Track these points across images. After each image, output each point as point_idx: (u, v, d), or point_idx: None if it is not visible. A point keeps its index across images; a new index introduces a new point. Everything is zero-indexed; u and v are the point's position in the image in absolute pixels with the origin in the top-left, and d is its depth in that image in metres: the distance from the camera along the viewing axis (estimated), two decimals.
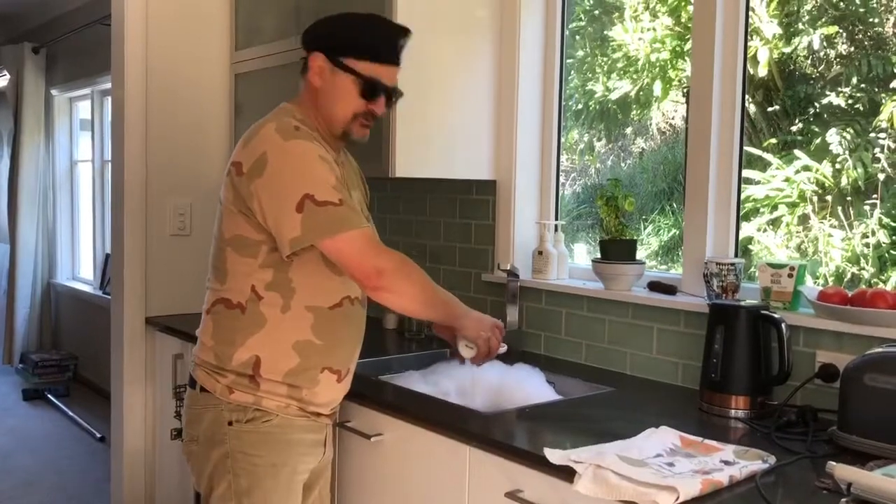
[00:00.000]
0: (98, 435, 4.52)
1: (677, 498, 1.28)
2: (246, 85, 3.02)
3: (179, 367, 2.68)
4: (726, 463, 1.44)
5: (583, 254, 2.88)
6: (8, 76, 6.02)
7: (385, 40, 1.75)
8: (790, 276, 1.92)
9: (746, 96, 2.17)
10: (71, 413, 4.99)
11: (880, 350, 1.58)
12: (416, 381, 2.18)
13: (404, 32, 1.78)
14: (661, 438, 1.58)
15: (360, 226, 1.65)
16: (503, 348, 1.81)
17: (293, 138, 1.65)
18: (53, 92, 5.97)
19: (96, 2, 4.91)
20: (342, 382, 1.82)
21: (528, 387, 2.13)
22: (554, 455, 1.46)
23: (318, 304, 1.73)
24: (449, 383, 2.17)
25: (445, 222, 2.80)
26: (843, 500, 1.23)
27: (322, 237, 1.62)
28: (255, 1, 2.98)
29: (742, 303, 1.88)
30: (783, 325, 1.79)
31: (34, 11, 6.08)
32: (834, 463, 1.28)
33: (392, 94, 1.79)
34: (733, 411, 1.80)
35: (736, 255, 2.12)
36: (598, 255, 2.31)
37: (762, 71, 2.80)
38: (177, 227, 3.01)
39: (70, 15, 5.58)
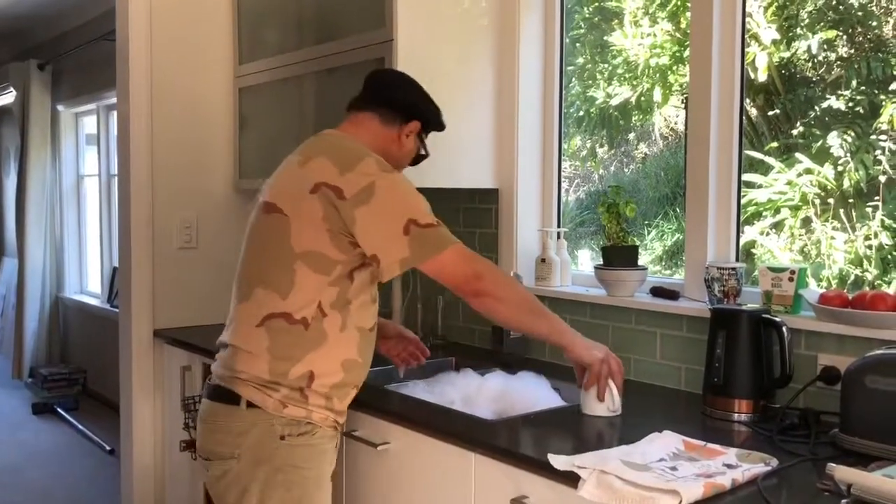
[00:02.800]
0: (108, 448, 4.55)
1: (680, 502, 1.29)
2: (250, 98, 3.05)
3: (188, 378, 2.71)
4: (729, 466, 1.45)
5: (587, 260, 2.89)
6: (14, 93, 6.07)
7: (443, 126, 2.05)
8: (791, 279, 1.93)
9: (747, 100, 2.19)
10: (80, 426, 5.02)
11: (881, 352, 1.59)
12: (421, 391, 2.19)
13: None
14: (664, 443, 1.59)
15: (456, 242, 1.79)
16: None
17: (391, 172, 1.79)
18: (59, 107, 6.02)
19: (101, 18, 4.96)
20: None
21: (533, 393, 2.14)
22: (558, 461, 1.48)
23: (363, 325, 1.83)
24: (454, 392, 2.19)
25: (451, 231, 2.81)
26: (844, 501, 1.24)
27: (428, 256, 1.74)
28: (258, 15, 3.02)
29: (743, 307, 1.90)
30: (784, 329, 1.80)
31: (40, 28, 6.14)
32: (834, 465, 1.30)
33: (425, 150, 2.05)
34: (736, 415, 1.81)
35: (737, 260, 2.14)
36: (601, 262, 2.33)
37: (762, 76, 2.82)
38: (183, 240, 3.03)
39: (75, 31, 5.64)
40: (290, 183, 1.81)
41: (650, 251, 3.19)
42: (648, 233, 3.27)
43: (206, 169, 3.09)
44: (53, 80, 6.01)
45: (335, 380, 1.78)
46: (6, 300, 6.65)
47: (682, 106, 3.27)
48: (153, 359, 2.96)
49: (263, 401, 1.74)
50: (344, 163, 1.76)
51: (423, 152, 2.02)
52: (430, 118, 2.00)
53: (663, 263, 3.24)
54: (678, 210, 3.28)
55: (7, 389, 5.92)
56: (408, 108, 1.95)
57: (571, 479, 1.44)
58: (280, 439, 1.74)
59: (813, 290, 1.98)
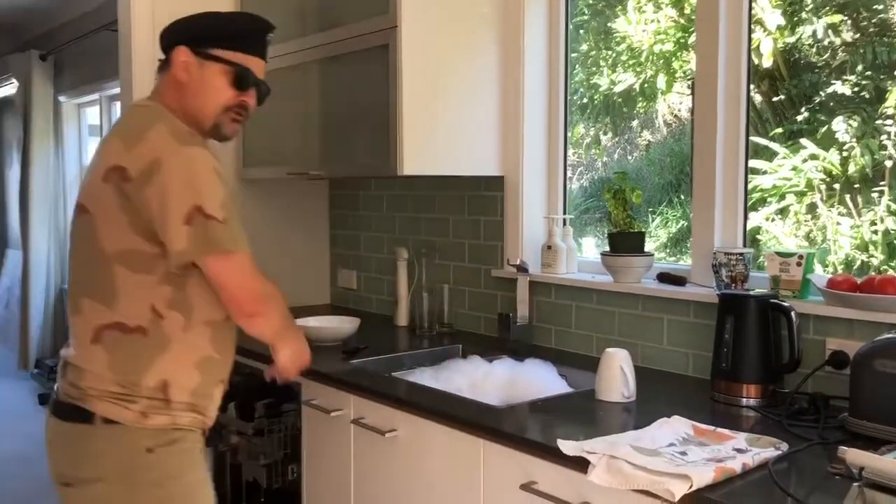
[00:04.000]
0: None
1: (691, 486, 1.29)
2: None
3: None
4: (739, 451, 1.45)
5: (591, 247, 2.89)
6: (16, 84, 6.06)
7: (253, 32, 1.74)
8: (799, 264, 1.93)
9: (751, 87, 2.18)
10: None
11: (890, 336, 1.59)
12: (428, 378, 2.20)
13: (270, 27, 1.77)
14: (673, 428, 1.59)
15: (245, 248, 1.60)
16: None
17: (189, 144, 1.58)
18: (61, 98, 6.01)
19: (102, 8, 4.94)
20: (224, 390, 1.77)
21: (541, 380, 2.15)
22: (567, 446, 1.48)
23: (214, 317, 1.65)
24: (461, 379, 2.19)
25: (454, 219, 2.81)
26: (856, 484, 1.24)
27: (207, 254, 1.55)
28: (261, 3, 3.00)
29: (751, 292, 1.90)
30: (793, 314, 1.80)
31: (40, 19, 6.12)
32: (846, 448, 1.30)
33: (262, 88, 1.75)
34: (744, 400, 1.81)
35: (744, 245, 2.13)
36: (607, 249, 2.33)
37: (767, 61, 2.80)
38: None
39: (76, 22, 5.61)
40: (91, 175, 1.62)
41: (654, 238, 3.19)
42: (653, 220, 3.27)
43: None
44: (55, 71, 5.99)
45: (192, 384, 1.63)
46: (10, 292, 6.65)
47: (687, 93, 3.26)
48: None
49: (121, 414, 1.57)
50: (130, 136, 1.57)
51: (230, 67, 1.67)
52: (197, 31, 1.69)
53: (668, 250, 3.24)
54: (682, 197, 3.27)
55: (13, 381, 5.93)
56: (169, 40, 1.70)
57: (581, 464, 1.45)
58: (147, 452, 1.58)
59: (821, 274, 1.98)
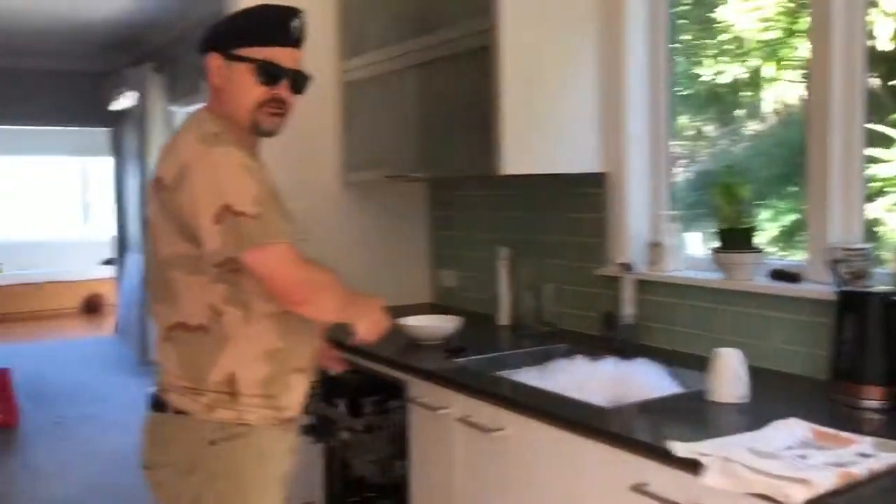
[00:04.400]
0: None
1: (811, 491, 1.25)
2: (354, 93, 3.11)
3: None
4: (863, 455, 1.39)
5: (697, 243, 2.81)
6: (134, 96, 6.41)
7: (274, 22, 1.71)
8: None
9: (868, 71, 2.07)
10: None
11: None
12: (533, 377, 2.20)
13: (294, 12, 1.73)
14: (791, 430, 1.54)
15: (282, 239, 1.61)
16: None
17: (215, 145, 1.61)
18: (174, 109, 6.31)
19: (211, 20, 5.15)
20: (308, 378, 1.80)
21: (649, 380, 2.11)
22: (679, 448, 1.45)
23: (275, 309, 1.67)
24: (566, 378, 2.18)
25: (556, 217, 2.80)
26: None
27: (242, 249, 1.57)
28: (360, 10, 3.07)
29: (873, 289, 1.81)
30: None
31: (155, 33, 6.45)
32: None
33: (296, 78, 1.75)
34: (866, 402, 1.73)
35: (862, 238, 2.03)
36: (716, 244, 2.26)
37: (885, 44, 2.66)
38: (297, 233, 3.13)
39: (188, 35, 5.89)
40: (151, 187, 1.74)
41: (764, 232, 3.08)
42: (762, 213, 3.15)
43: (313, 164, 3.17)
44: (168, 83, 6.30)
45: (261, 375, 1.67)
46: (132, 294, 7.03)
47: (796, 80, 3.13)
48: None
49: (190, 406, 1.66)
50: (167, 147, 1.68)
51: (255, 65, 1.68)
52: (223, 33, 1.72)
53: (778, 245, 3.12)
54: (793, 189, 3.14)
55: (133, 376, 6.26)
56: (201, 50, 1.74)
57: (693, 466, 1.42)
58: (210, 444, 1.64)
59: None
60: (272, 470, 1.72)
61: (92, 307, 9.80)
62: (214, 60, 1.71)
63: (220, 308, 1.64)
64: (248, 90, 1.69)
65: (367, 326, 1.80)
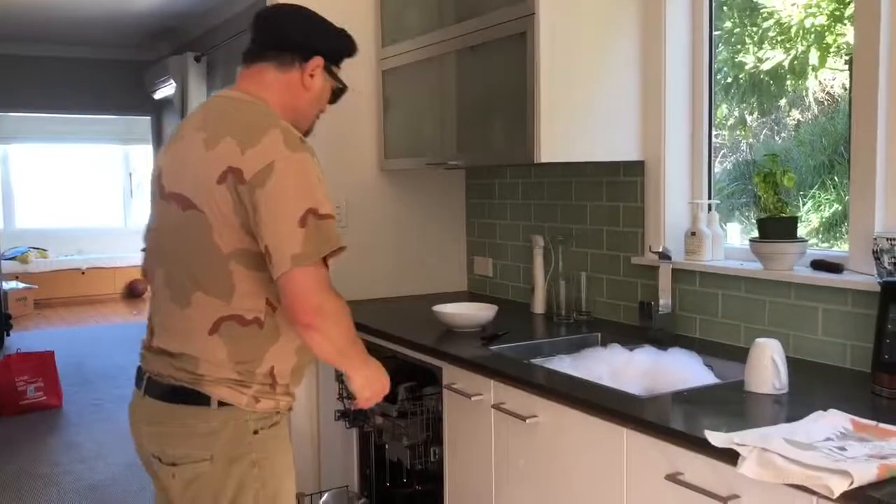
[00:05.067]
0: None
1: (851, 482, 1.23)
2: (393, 81, 3.12)
3: None
4: None
5: (736, 233, 2.78)
6: (174, 85, 6.50)
7: (353, 51, 1.87)
8: None
9: None
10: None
11: None
12: (567, 365, 2.19)
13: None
14: (830, 422, 1.52)
15: (340, 244, 1.62)
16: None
17: (300, 151, 1.62)
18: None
19: (250, 9, 5.20)
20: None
21: (685, 370, 2.09)
22: (716, 438, 1.44)
23: None
24: (601, 367, 2.17)
25: (592, 206, 2.78)
26: None
27: (322, 254, 1.58)
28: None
29: None
30: None
31: (194, 23, 6.53)
32: None
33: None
34: None
35: None
36: (755, 235, 2.23)
37: None
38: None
39: (227, 24, 5.95)
40: (200, 171, 1.63)
41: (806, 223, 3.02)
42: (804, 203, 3.10)
43: (353, 150, 3.19)
44: (208, 71, 6.38)
45: (291, 366, 1.72)
46: None
47: (841, 68, 3.06)
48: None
49: (237, 398, 1.65)
50: (247, 138, 1.60)
51: (339, 86, 1.85)
52: (333, 47, 1.81)
53: (820, 236, 3.06)
54: (836, 179, 3.08)
55: None
56: (304, 44, 1.75)
57: (730, 456, 1.41)
58: (254, 434, 1.66)
59: None
60: (290, 458, 1.78)
61: (133, 292, 10.00)
62: (318, 63, 1.78)
63: (274, 303, 1.66)
64: (322, 102, 1.84)
65: (362, 382, 1.76)
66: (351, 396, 1.83)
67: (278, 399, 1.71)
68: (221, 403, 1.65)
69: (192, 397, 1.65)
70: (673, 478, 1.55)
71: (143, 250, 1.83)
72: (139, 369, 1.79)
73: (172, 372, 1.68)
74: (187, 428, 1.66)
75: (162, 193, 1.72)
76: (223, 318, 1.64)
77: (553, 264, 2.85)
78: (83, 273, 9.96)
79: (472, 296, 3.29)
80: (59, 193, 10.66)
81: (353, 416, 2.72)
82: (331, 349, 1.65)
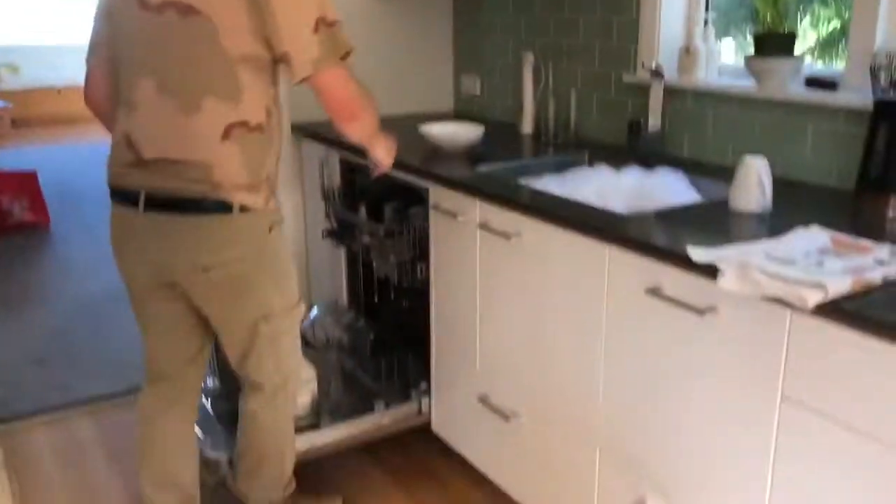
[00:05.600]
0: None
1: (826, 295, 1.26)
2: None
3: (326, 171, 2.81)
4: (880, 262, 1.40)
5: (730, 51, 2.69)
6: None
7: None
8: None
9: None
10: None
11: None
12: (553, 185, 2.19)
13: None
14: (811, 238, 1.54)
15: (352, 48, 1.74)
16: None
17: None
18: None
19: None
20: None
21: (671, 190, 2.10)
22: (698, 253, 1.46)
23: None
24: (587, 187, 2.17)
25: (585, 19, 2.67)
26: None
27: (335, 60, 1.71)
28: None
29: None
30: None
31: None
32: None
33: None
34: (891, 212, 1.71)
35: None
36: (751, 52, 2.16)
37: None
38: None
39: None
40: None
41: (802, 40, 2.93)
42: (801, 19, 2.99)
43: None
44: None
45: (274, 169, 1.84)
46: None
47: None
48: (292, 153, 3.07)
49: (254, 201, 1.76)
50: None
51: None
52: None
53: (815, 54, 2.98)
54: None
55: None
56: None
57: (710, 271, 1.43)
58: (269, 231, 1.82)
59: None
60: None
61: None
62: None
63: (271, 109, 1.77)
64: None
65: (384, 153, 2.05)
66: (371, 167, 2.14)
67: (275, 198, 1.86)
68: (243, 208, 1.75)
69: (214, 206, 1.72)
70: (653, 292, 1.59)
71: (92, 67, 1.90)
72: (120, 188, 1.79)
73: (184, 184, 1.71)
74: (214, 235, 1.75)
75: (144, 5, 1.69)
76: (233, 125, 1.70)
77: (543, 82, 2.78)
78: (59, 92, 9.69)
79: (459, 116, 3.23)
80: (32, 8, 10.15)
81: (340, 235, 2.75)
82: (364, 133, 1.92)
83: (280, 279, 1.88)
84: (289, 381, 2.01)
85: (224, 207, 1.73)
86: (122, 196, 1.79)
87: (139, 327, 1.95)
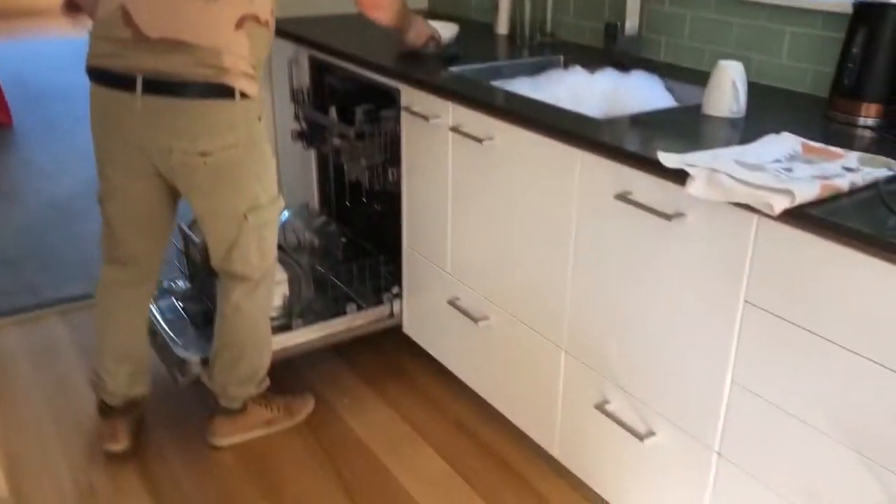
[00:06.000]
0: None
1: (793, 200, 1.27)
2: None
3: (295, 71, 2.74)
4: (848, 169, 1.40)
5: None
6: None
7: None
8: None
9: None
10: None
11: None
12: (527, 88, 2.15)
13: None
14: (781, 144, 1.54)
15: None
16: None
17: None
18: None
19: None
20: None
21: (645, 94, 2.08)
22: (668, 158, 1.46)
23: None
24: (561, 90, 2.14)
25: None
26: None
27: None
28: None
29: (892, 0, 1.70)
30: None
31: None
32: None
33: None
34: (863, 119, 1.71)
35: None
36: None
37: None
38: None
39: None
40: None
41: None
42: None
43: None
44: None
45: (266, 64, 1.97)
46: None
47: None
48: None
49: (252, 89, 1.84)
50: None
51: None
52: None
53: None
54: None
55: None
56: None
57: (680, 176, 1.43)
58: (258, 120, 1.89)
59: None
60: None
61: (73, 5, 9.35)
62: None
63: (273, 10, 1.89)
64: None
65: (415, 33, 2.29)
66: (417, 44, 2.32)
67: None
68: (243, 95, 1.81)
69: (218, 91, 1.78)
70: (622, 197, 1.59)
71: None
72: (109, 71, 1.78)
73: (191, 68, 1.75)
74: (216, 119, 1.80)
75: None
76: (246, 16, 1.79)
77: None
78: None
79: (432, 14, 3.13)
80: None
81: (310, 137, 2.70)
82: (391, 19, 2.20)
83: (264, 170, 1.94)
84: (268, 274, 2.08)
85: (228, 92, 1.79)
86: (111, 78, 1.79)
87: (107, 214, 1.98)
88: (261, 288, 2.06)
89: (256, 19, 1.81)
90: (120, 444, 2.14)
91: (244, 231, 1.94)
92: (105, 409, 2.16)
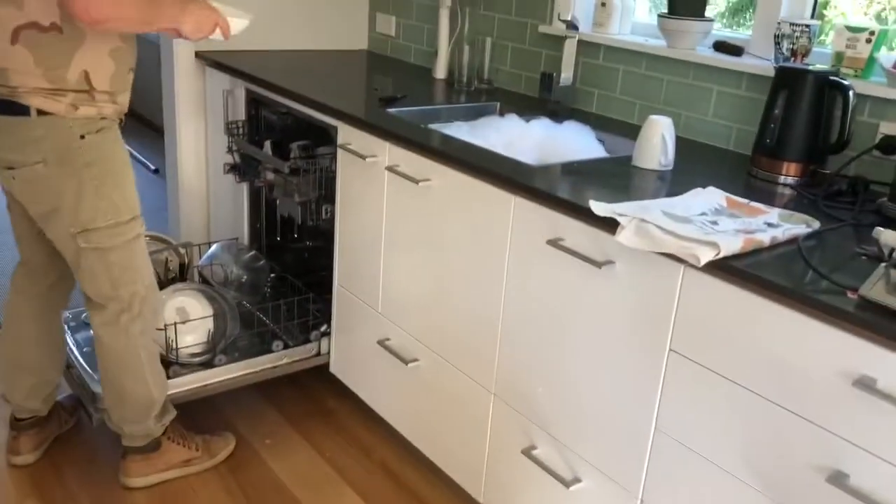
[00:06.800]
0: (152, 167, 4.69)
1: (718, 253, 1.31)
2: None
3: (231, 103, 2.71)
4: (770, 225, 1.46)
5: (644, 9, 2.72)
6: None
7: None
8: (868, 41, 1.81)
9: None
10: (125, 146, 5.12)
11: None
12: (464, 132, 2.18)
13: None
14: (707, 198, 1.59)
15: None
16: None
17: None
18: None
19: None
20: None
21: (577, 143, 2.12)
22: (599, 207, 1.49)
23: None
24: (496, 136, 2.17)
25: None
26: (883, 265, 1.25)
27: None
28: None
29: (811, 67, 1.80)
30: (850, 93, 1.72)
31: None
32: (881, 228, 1.29)
33: None
34: (783, 177, 1.79)
35: (812, 17, 1.99)
36: (665, 10, 2.19)
37: None
38: None
39: None
40: None
41: (713, 5, 2.99)
42: None
43: None
44: None
45: (109, 72, 1.78)
46: None
47: None
48: (195, 83, 2.94)
49: (53, 106, 1.74)
50: None
51: None
52: None
53: (725, 20, 3.05)
54: None
55: None
56: None
57: (610, 225, 1.46)
58: (80, 139, 1.78)
59: (889, 55, 1.86)
60: (127, 156, 1.92)
61: None
62: None
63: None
64: None
65: (194, 28, 1.81)
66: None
67: (100, 106, 1.79)
68: (40, 112, 1.73)
69: (11, 108, 1.73)
70: (554, 243, 1.61)
71: None
72: None
73: None
74: (15, 136, 1.76)
75: None
76: (20, 27, 1.67)
77: (458, 28, 2.74)
78: None
79: (371, 56, 3.16)
80: None
81: (242, 170, 2.67)
82: (127, 25, 1.74)
83: (101, 189, 1.83)
84: (134, 304, 1.94)
85: (22, 110, 1.73)
86: None
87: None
88: (122, 319, 1.93)
89: (37, 27, 1.67)
90: (20, 458, 2.14)
91: (82, 254, 1.86)
92: (12, 422, 2.16)
